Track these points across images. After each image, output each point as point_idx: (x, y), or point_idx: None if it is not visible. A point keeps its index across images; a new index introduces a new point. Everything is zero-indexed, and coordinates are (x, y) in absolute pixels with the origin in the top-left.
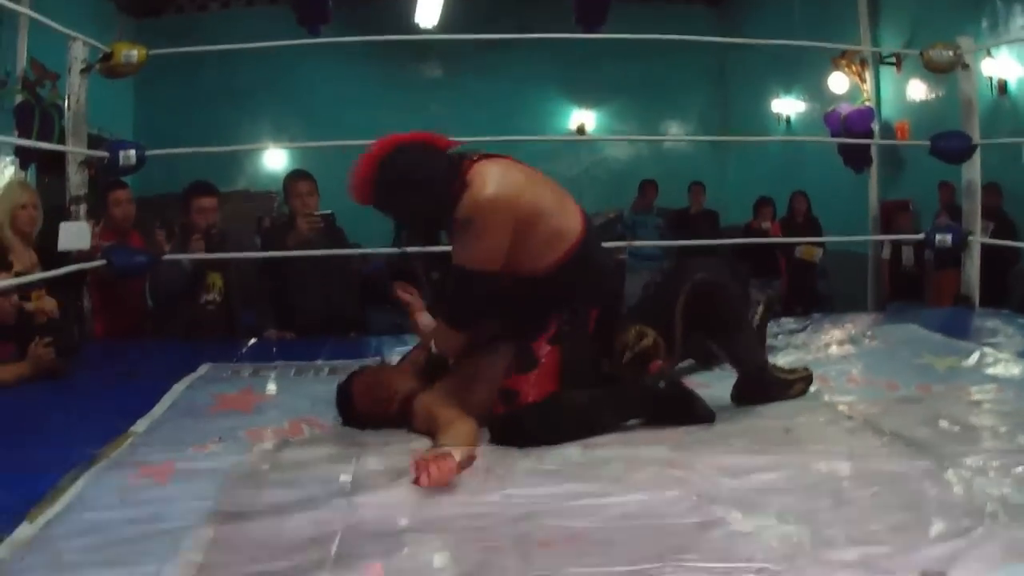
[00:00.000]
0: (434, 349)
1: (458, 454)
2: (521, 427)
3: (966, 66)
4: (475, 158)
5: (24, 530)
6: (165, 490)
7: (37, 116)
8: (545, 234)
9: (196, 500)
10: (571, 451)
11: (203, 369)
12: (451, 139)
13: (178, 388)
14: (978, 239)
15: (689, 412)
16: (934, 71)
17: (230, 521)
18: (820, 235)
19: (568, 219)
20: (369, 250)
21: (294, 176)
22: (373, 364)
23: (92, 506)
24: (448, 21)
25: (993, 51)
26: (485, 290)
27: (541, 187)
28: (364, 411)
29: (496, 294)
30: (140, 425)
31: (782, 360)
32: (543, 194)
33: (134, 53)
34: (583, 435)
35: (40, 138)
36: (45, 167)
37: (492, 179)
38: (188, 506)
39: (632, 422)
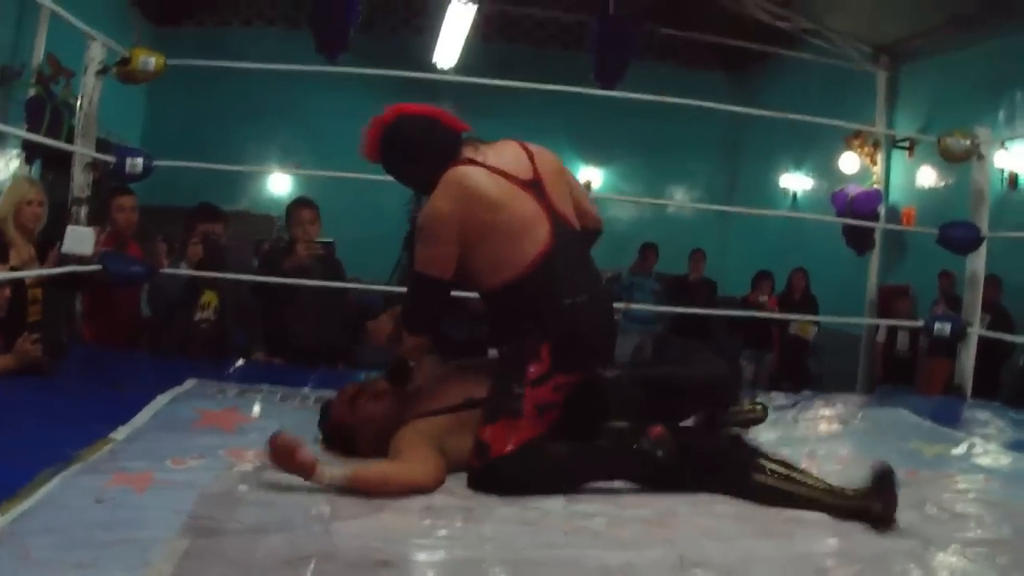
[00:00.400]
0: (400, 353)
1: (327, 475)
2: (498, 475)
3: (981, 156)
4: (466, 160)
5: None
6: (141, 499)
7: (48, 112)
8: (497, 254)
9: (171, 512)
10: (554, 502)
11: (188, 384)
12: (465, 124)
13: (161, 400)
14: (976, 330)
15: (682, 483)
16: (949, 159)
17: (204, 536)
18: (817, 314)
19: (526, 244)
20: (364, 286)
21: (298, 203)
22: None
23: (65, 506)
24: (465, 64)
25: (1007, 143)
26: (434, 296)
27: (505, 205)
28: (337, 413)
29: (446, 301)
30: (120, 433)
31: (768, 435)
32: (503, 212)
33: (152, 60)
34: (562, 489)
35: (48, 134)
36: (50, 164)
37: (451, 189)
38: (162, 517)
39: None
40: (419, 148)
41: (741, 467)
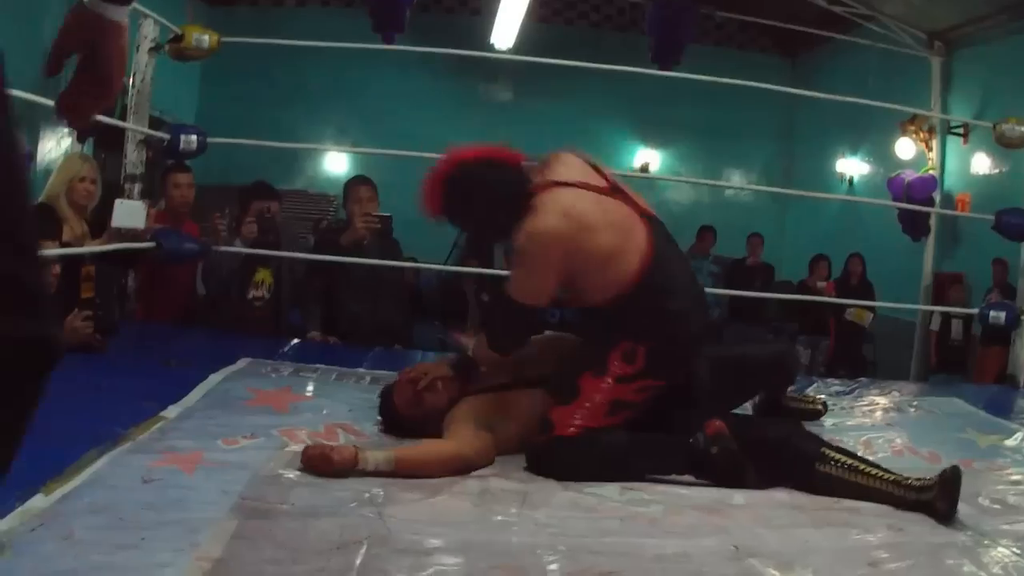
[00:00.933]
0: (470, 352)
1: (365, 458)
2: (554, 458)
3: None
4: (548, 183)
5: (37, 501)
6: (190, 479)
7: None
8: (603, 275)
9: (220, 493)
10: (610, 489)
11: (242, 363)
12: (521, 154)
13: (214, 379)
14: None
15: (739, 480)
16: (1004, 145)
17: (253, 517)
18: (873, 300)
19: (628, 259)
20: (421, 264)
21: (355, 181)
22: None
23: (112, 486)
24: (522, 44)
25: None
26: (526, 324)
27: (604, 225)
28: (402, 404)
29: (536, 324)
30: (171, 411)
31: (824, 422)
32: (605, 233)
33: (205, 38)
34: (617, 477)
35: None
36: (103, 142)
37: (554, 211)
38: (211, 498)
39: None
40: (490, 191)
41: (804, 457)
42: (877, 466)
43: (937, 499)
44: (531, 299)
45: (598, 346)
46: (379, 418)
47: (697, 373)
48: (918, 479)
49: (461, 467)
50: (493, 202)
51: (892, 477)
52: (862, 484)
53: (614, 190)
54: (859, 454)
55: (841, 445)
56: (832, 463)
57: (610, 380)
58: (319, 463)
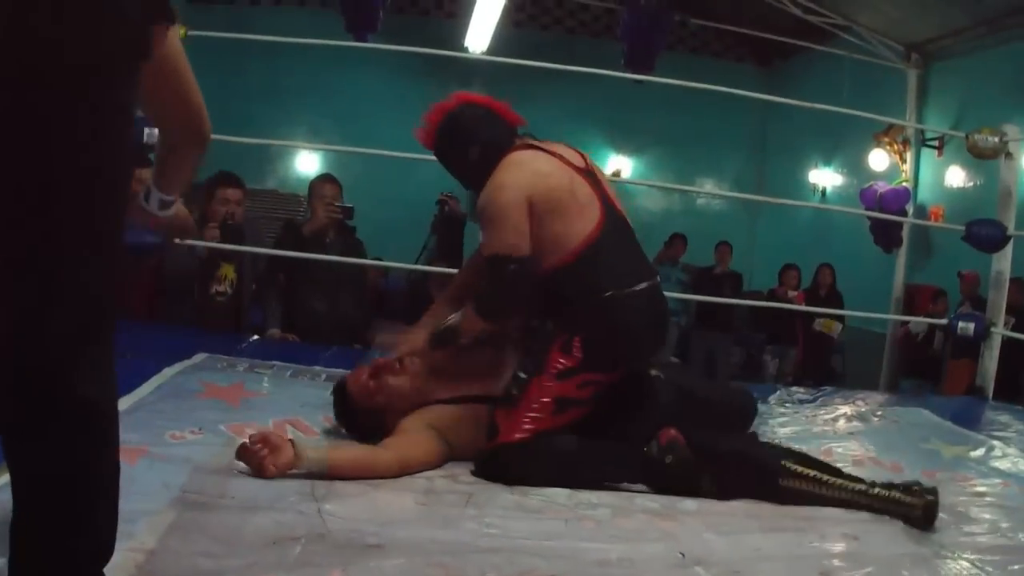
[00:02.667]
0: (452, 322)
1: (303, 459)
2: (502, 466)
3: (1009, 154)
4: (524, 144)
5: None
6: (132, 470)
7: None
8: (552, 232)
9: (161, 485)
10: (558, 491)
11: (198, 358)
12: (518, 116)
13: (168, 372)
14: (1000, 331)
15: (693, 491)
16: (977, 156)
17: (191, 510)
18: (842, 309)
19: (577, 225)
20: (386, 263)
21: (321, 179)
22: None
23: None
24: (496, 49)
25: None
26: (519, 277)
27: (564, 185)
28: (357, 390)
29: (530, 282)
30: (122, 403)
31: (786, 430)
32: (562, 192)
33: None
34: (565, 484)
35: None
36: None
37: (513, 168)
38: (151, 489)
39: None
40: (477, 136)
41: (766, 472)
42: (841, 474)
43: (918, 521)
44: (511, 248)
45: (538, 343)
46: (331, 414)
47: (645, 375)
48: (886, 486)
49: (403, 471)
50: (474, 145)
51: (860, 487)
52: (829, 496)
53: (587, 174)
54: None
55: (804, 452)
56: (796, 477)
57: (552, 376)
58: (255, 469)
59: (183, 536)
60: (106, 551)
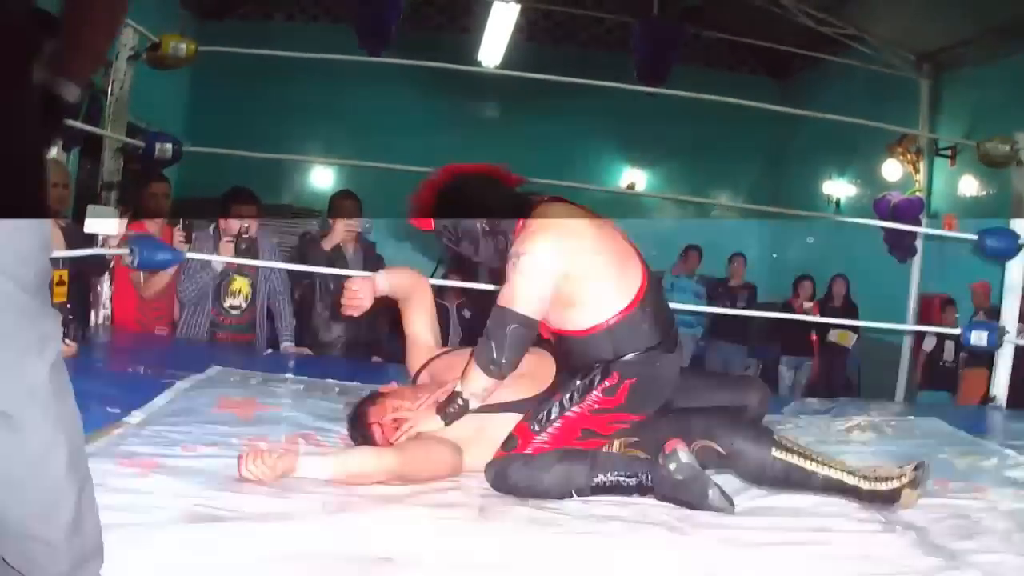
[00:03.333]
0: (460, 389)
1: (306, 467)
2: (514, 475)
3: (1021, 162)
4: (544, 199)
5: None
6: (144, 483)
7: (86, 101)
8: (595, 294)
9: (174, 498)
10: (570, 504)
11: (211, 371)
12: (518, 175)
13: (181, 386)
14: (1013, 340)
15: (702, 500)
16: (989, 165)
17: (203, 523)
18: (857, 321)
19: (622, 284)
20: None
21: (341, 195)
22: (387, 388)
23: None
24: (509, 62)
25: None
26: (525, 339)
27: (601, 244)
28: (370, 423)
29: (527, 347)
30: (135, 417)
31: (800, 441)
32: (603, 248)
33: (183, 47)
34: (575, 496)
35: (87, 122)
36: (88, 152)
37: (556, 221)
38: (164, 503)
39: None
40: (484, 206)
41: (759, 444)
42: (832, 458)
43: (902, 489)
44: (526, 307)
45: (582, 374)
46: (344, 430)
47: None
48: (876, 470)
49: (410, 476)
50: (482, 214)
51: (849, 468)
52: (817, 472)
53: (603, 224)
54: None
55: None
56: (786, 450)
57: (586, 410)
58: (256, 474)
59: (196, 549)
60: None
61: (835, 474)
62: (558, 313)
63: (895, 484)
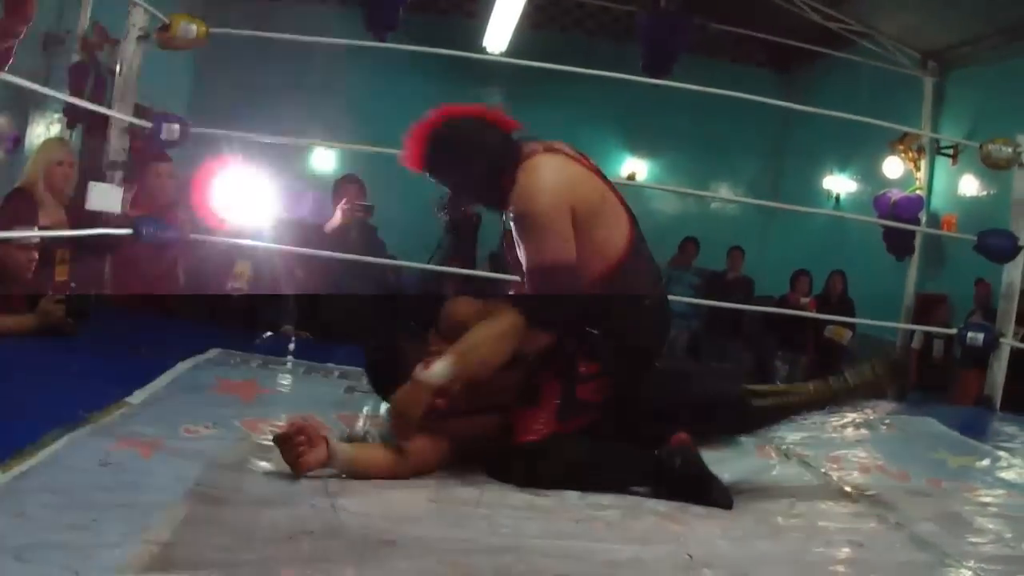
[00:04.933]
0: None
1: (333, 457)
2: (515, 466)
3: (1022, 165)
4: (536, 149)
5: None
6: (147, 464)
7: (91, 78)
8: (589, 243)
9: (175, 479)
10: (568, 492)
11: (211, 353)
12: (514, 121)
13: (182, 367)
14: (1009, 341)
15: (704, 494)
16: (990, 166)
17: (205, 504)
18: (853, 317)
19: (615, 234)
20: (402, 262)
21: (345, 179)
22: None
23: (68, 467)
24: (515, 49)
25: None
26: (569, 284)
27: (595, 190)
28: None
29: (579, 291)
30: (136, 397)
31: (794, 436)
32: (595, 198)
33: (193, 28)
34: (576, 486)
35: (92, 101)
36: (92, 130)
37: (545, 171)
38: (166, 483)
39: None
40: (478, 147)
41: (735, 402)
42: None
43: (886, 383)
44: (559, 255)
45: (563, 347)
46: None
47: (658, 380)
48: (856, 372)
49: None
50: (481, 159)
51: (824, 385)
52: (795, 402)
53: (602, 176)
54: (825, 469)
55: (808, 461)
56: (760, 395)
57: (574, 382)
58: (290, 461)
59: (197, 529)
60: None
61: (812, 395)
62: None
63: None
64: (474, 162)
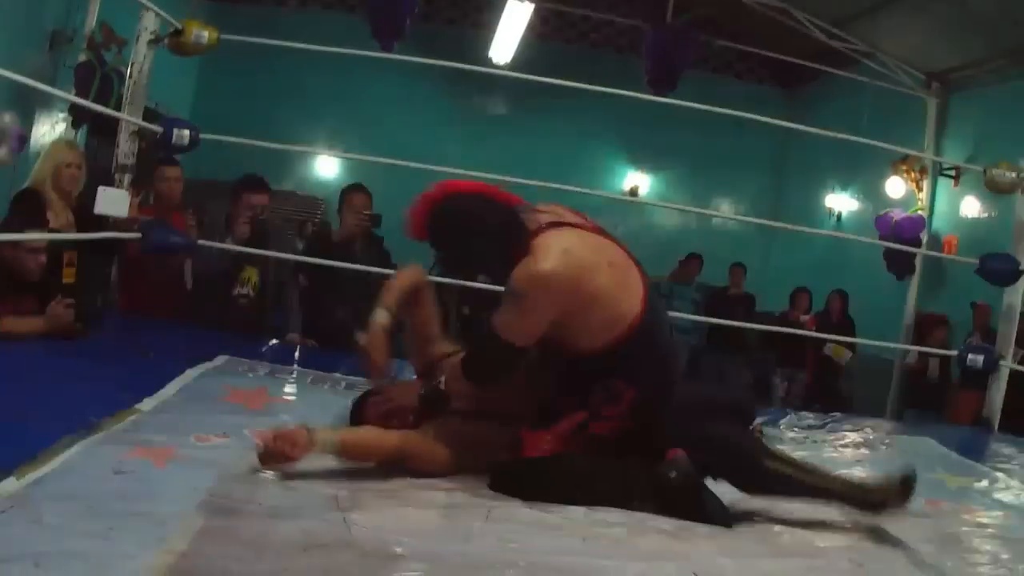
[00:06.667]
0: (441, 385)
1: (319, 441)
2: (519, 479)
3: None
4: (546, 224)
5: (9, 485)
6: (160, 472)
7: (97, 78)
8: (600, 318)
9: (189, 489)
10: (576, 509)
11: (219, 360)
12: (515, 197)
13: (191, 374)
14: (1008, 364)
15: (701, 511)
16: (993, 190)
17: (220, 515)
18: (853, 337)
19: (626, 302)
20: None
21: (352, 189)
22: (387, 383)
23: (83, 474)
24: (520, 60)
25: None
26: (508, 360)
27: (604, 266)
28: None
29: (516, 366)
30: (147, 404)
31: (795, 455)
32: (604, 274)
33: (204, 34)
34: (578, 501)
35: (97, 101)
36: (97, 130)
37: (555, 255)
38: (181, 493)
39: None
40: (481, 225)
41: (752, 452)
42: (823, 467)
43: (893, 498)
44: (520, 339)
45: (583, 385)
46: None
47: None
48: (867, 481)
49: (400, 459)
50: (483, 237)
51: (840, 478)
52: (808, 482)
53: (604, 234)
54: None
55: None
56: (779, 459)
57: (590, 417)
58: (280, 458)
59: (213, 540)
60: None
61: (825, 483)
62: (557, 339)
63: (882, 496)
64: (473, 239)
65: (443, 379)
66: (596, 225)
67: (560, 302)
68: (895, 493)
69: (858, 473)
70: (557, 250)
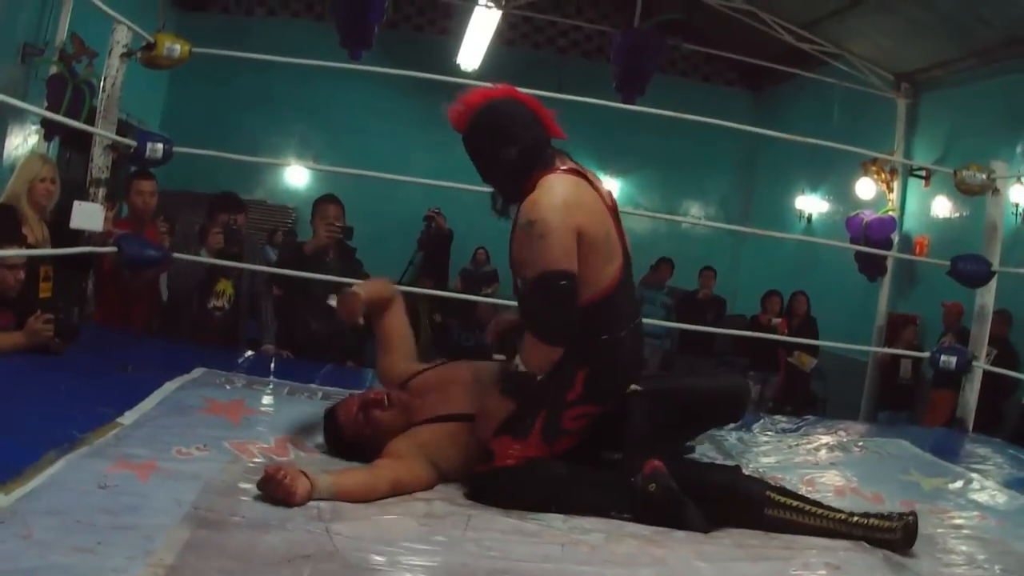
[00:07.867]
0: (520, 367)
1: (316, 488)
2: (495, 488)
3: (996, 191)
4: (560, 166)
5: None
6: (144, 486)
7: (69, 90)
8: (585, 269)
9: (173, 502)
10: (554, 516)
11: (197, 372)
12: (560, 131)
13: (169, 387)
14: (982, 364)
15: (679, 519)
16: (964, 192)
17: (205, 528)
18: (816, 337)
19: (602, 271)
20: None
21: (324, 200)
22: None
23: (69, 489)
24: (488, 67)
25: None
26: (570, 293)
27: (602, 223)
28: (347, 420)
29: (577, 300)
30: (127, 418)
31: (768, 459)
32: (599, 229)
33: (177, 48)
34: (555, 508)
35: (69, 113)
36: (69, 142)
37: (560, 189)
38: (165, 506)
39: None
40: (518, 137)
41: (752, 502)
42: (823, 505)
43: (898, 545)
44: (564, 261)
45: (553, 382)
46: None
47: (633, 409)
48: (864, 515)
49: (398, 492)
50: (512, 147)
51: (841, 516)
52: (811, 525)
53: (613, 212)
54: (802, 492)
55: (783, 484)
56: (781, 507)
57: (552, 408)
58: (280, 496)
59: (200, 553)
60: None
61: (827, 524)
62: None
63: (887, 536)
64: (506, 146)
65: (517, 364)
66: (614, 204)
67: (571, 222)
68: (899, 542)
69: (839, 482)
70: (566, 186)
